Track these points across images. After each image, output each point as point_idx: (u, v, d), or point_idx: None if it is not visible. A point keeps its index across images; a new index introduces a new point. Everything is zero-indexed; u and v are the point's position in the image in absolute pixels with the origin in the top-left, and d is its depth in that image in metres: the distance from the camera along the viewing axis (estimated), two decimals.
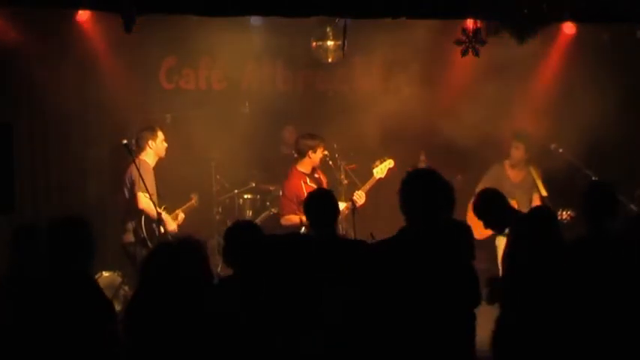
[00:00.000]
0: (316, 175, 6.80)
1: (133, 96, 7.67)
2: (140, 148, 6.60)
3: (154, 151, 6.64)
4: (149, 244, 6.39)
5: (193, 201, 7.20)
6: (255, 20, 7.78)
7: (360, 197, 6.64)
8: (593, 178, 6.86)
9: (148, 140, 6.60)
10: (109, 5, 5.78)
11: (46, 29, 7.17)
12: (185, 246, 2.84)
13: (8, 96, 7.25)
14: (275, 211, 7.71)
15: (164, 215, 6.45)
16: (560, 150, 7.10)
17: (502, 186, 6.90)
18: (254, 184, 8.32)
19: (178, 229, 6.67)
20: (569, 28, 7.69)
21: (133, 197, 6.44)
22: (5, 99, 7.19)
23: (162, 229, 6.41)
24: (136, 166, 6.24)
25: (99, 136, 7.49)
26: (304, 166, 6.77)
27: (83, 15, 7.06)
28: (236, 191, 8.26)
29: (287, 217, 6.71)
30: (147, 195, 6.32)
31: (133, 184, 6.46)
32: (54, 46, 7.31)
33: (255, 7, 5.98)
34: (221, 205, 8.30)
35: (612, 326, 3.89)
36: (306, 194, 6.48)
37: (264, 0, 5.91)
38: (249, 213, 8.06)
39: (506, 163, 7.16)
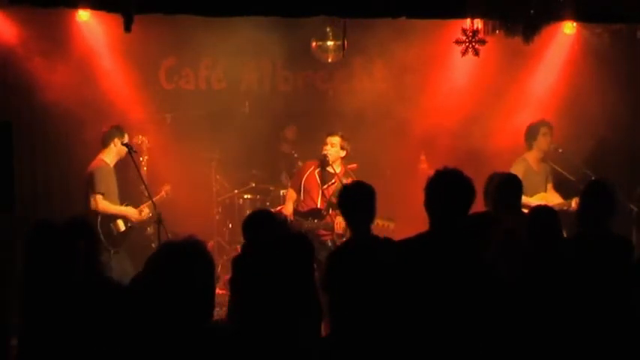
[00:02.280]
0: (327, 168, 6.65)
1: (132, 96, 7.68)
2: (103, 146, 6.62)
3: (117, 150, 6.63)
4: (106, 244, 6.37)
5: (163, 193, 7.06)
6: (255, 20, 7.77)
7: (339, 223, 6.32)
8: (593, 178, 6.85)
9: (113, 139, 6.59)
10: (109, 5, 5.78)
11: (46, 29, 7.17)
12: (190, 247, 2.82)
13: (8, 96, 7.25)
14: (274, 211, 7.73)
15: (125, 210, 6.54)
16: (560, 150, 7.09)
17: (530, 179, 6.86)
18: (254, 184, 8.33)
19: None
20: (569, 28, 7.68)
21: (87, 198, 6.48)
22: (5, 99, 7.19)
23: (120, 228, 6.51)
24: (135, 164, 6.25)
25: (99, 136, 7.48)
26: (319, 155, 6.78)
27: (83, 15, 7.06)
28: (236, 191, 8.27)
29: (288, 190, 6.99)
30: (101, 196, 6.41)
31: (87, 184, 6.51)
32: (54, 46, 7.30)
33: (256, 7, 5.98)
34: (221, 205, 8.31)
35: (610, 326, 3.89)
36: (304, 181, 6.65)
37: (264, 0, 5.91)
38: (249, 213, 8.05)
39: (527, 155, 7.07)
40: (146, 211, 6.79)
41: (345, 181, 6.25)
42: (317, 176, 6.69)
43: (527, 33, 5.94)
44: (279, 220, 4.44)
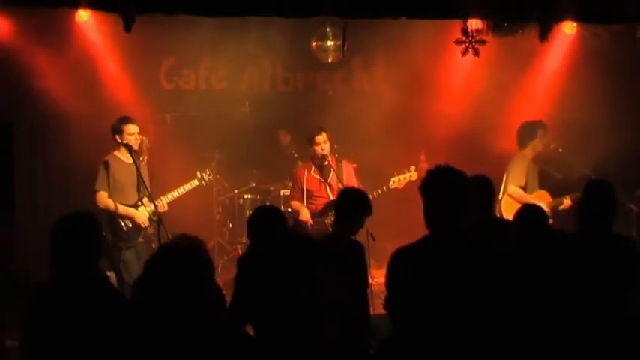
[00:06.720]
0: (325, 163, 6.64)
1: (132, 96, 7.68)
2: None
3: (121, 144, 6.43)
4: (114, 241, 6.32)
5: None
6: (256, 20, 7.78)
7: None
8: (592, 178, 6.85)
9: (114, 133, 6.41)
10: (108, 5, 5.79)
11: (46, 29, 7.17)
12: (188, 247, 2.81)
13: (8, 96, 7.25)
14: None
15: (125, 211, 6.35)
16: (560, 150, 7.09)
17: (530, 176, 6.81)
18: (254, 184, 8.33)
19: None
20: (569, 28, 7.67)
21: (93, 195, 6.37)
22: (5, 99, 7.19)
23: (128, 225, 6.38)
24: (135, 164, 6.23)
25: (99, 136, 7.48)
26: (313, 156, 6.73)
27: (83, 15, 7.05)
28: (236, 191, 8.27)
29: (290, 202, 6.88)
30: (101, 193, 6.29)
31: (95, 181, 6.38)
32: (54, 46, 7.31)
33: (256, 7, 5.98)
34: (221, 205, 8.31)
35: (608, 325, 3.89)
36: (305, 186, 6.63)
37: (264, 0, 5.91)
38: (249, 213, 8.05)
39: (527, 152, 7.02)
40: (149, 207, 6.45)
41: (334, 164, 6.65)
42: (316, 175, 6.69)
43: (542, 32, 5.99)
44: (283, 217, 4.40)
